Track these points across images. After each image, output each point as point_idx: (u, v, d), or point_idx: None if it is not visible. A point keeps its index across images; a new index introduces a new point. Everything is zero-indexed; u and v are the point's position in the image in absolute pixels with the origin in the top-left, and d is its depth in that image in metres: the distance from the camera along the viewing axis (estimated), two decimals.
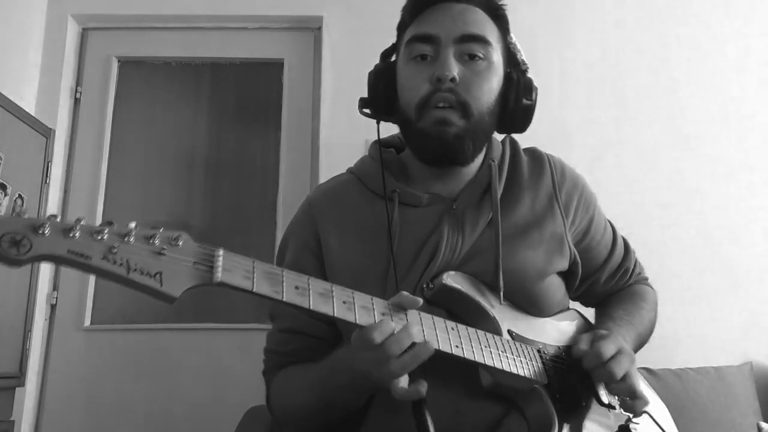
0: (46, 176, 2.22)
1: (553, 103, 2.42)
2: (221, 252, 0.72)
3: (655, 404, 1.15)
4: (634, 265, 1.24)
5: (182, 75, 2.60)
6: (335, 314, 0.78)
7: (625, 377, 0.95)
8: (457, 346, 0.87)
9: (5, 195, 1.97)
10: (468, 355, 0.88)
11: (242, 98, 2.61)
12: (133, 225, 0.67)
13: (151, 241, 0.67)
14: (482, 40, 1.01)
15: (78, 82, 2.49)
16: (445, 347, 0.86)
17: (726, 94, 2.50)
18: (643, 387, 1.11)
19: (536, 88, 1.07)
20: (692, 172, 2.43)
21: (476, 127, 1.01)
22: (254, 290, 0.73)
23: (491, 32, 1.03)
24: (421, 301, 0.85)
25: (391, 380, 0.83)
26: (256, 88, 2.61)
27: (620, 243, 1.22)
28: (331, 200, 1.12)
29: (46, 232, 0.61)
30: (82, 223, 0.64)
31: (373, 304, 0.83)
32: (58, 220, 0.63)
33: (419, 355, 0.81)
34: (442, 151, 1.01)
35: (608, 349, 0.94)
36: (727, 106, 2.49)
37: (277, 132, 2.50)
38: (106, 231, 0.64)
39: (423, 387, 0.83)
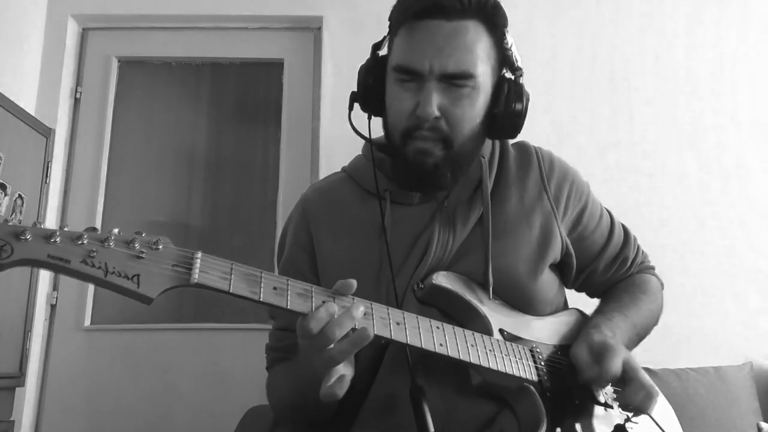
0: (46, 176, 2.22)
1: (554, 102, 2.42)
2: (199, 254, 0.75)
3: (659, 403, 1.15)
4: (636, 254, 1.22)
5: (182, 75, 2.60)
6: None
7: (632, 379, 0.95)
8: (441, 345, 0.88)
9: (5, 195, 1.97)
10: (452, 353, 0.89)
11: (242, 98, 2.61)
12: (116, 231, 0.70)
13: (130, 245, 0.70)
14: (466, 76, 0.97)
15: (78, 82, 2.49)
16: (428, 346, 0.87)
17: (729, 93, 2.50)
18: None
19: (527, 94, 1.05)
20: (692, 172, 2.43)
21: (456, 156, 1.01)
22: (231, 291, 0.75)
23: (481, 52, 0.99)
24: (354, 282, 0.83)
25: (330, 367, 0.83)
26: (256, 88, 2.61)
27: (618, 232, 1.21)
28: (325, 199, 1.14)
29: (27, 237, 0.65)
30: (64, 229, 0.68)
31: (369, 305, 0.84)
32: (43, 227, 0.67)
33: (356, 341, 0.80)
34: (421, 179, 1.03)
35: (616, 366, 0.94)
36: (731, 105, 2.49)
37: (277, 132, 2.50)
38: (86, 237, 0.68)
39: (341, 387, 0.82)
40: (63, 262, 0.66)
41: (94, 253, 0.67)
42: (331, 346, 0.80)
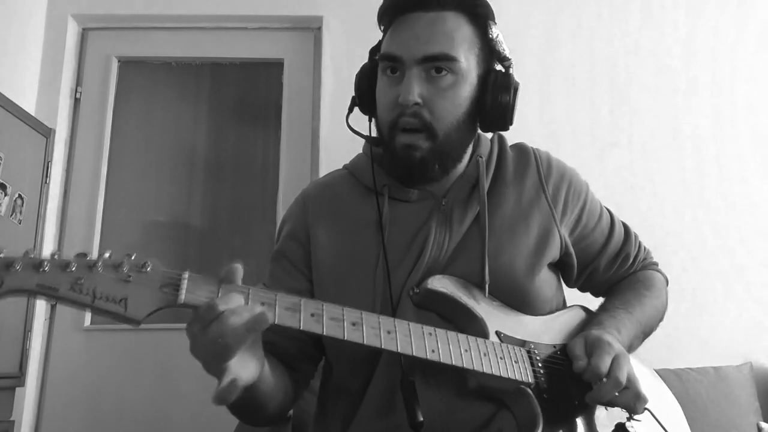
0: (46, 176, 2.22)
1: (553, 102, 2.43)
2: (186, 274, 0.76)
3: (666, 400, 1.14)
4: (637, 251, 1.21)
5: (182, 75, 2.60)
6: (301, 327, 0.81)
7: (628, 383, 0.94)
8: (433, 351, 0.88)
9: (5, 195, 1.97)
10: (445, 359, 0.88)
11: (242, 98, 2.62)
12: (106, 255, 0.72)
13: (119, 269, 0.72)
14: (446, 58, 0.99)
15: (78, 82, 2.49)
16: (419, 353, 0.87)
17: (729, 94, 2.50)
18: (652, 382, 1.11)
19: (515, 84, 1.05)
20: (692, 172, 2.43)
21: (442, 147, 1.02)
22: None
23: (462, 40, 1.01)
24: (240, 267, 0.79)
25: (223, 361, 0.77)
26: (256, 88, 2.61)
27: (618, 229, 1.20)
28: (325, 194, 1.14)
29: (17, 268, 0.67)
30: (55, 257, 0.70)
31: (343, 314, 0.83)
32: (32, 256, 0.69)
33: (251, 326, 0.74)
34: (409, 173, 1.05)
35: (604, 362, 0.93)
36: (730, 106, 2.49)
37: (277, 132, 2.50)
38: (74, 265, 0.70)
39: (231, 392, 0.77)
40: (51, 290, 0.68)
41: (82, 280, 0.69)
42: (223, 338, 0.74)
